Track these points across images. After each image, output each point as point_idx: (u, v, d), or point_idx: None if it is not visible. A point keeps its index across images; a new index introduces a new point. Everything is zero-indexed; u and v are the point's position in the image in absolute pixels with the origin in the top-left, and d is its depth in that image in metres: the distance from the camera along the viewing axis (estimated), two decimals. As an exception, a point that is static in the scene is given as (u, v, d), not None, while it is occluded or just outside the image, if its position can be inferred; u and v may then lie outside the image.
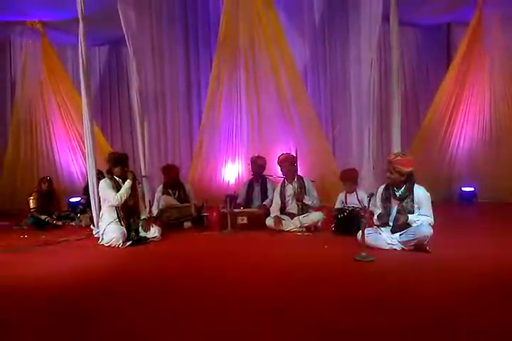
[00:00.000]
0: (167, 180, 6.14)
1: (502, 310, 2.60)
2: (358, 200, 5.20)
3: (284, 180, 5.64)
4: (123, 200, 4.84)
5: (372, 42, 6.52)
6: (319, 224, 5.36)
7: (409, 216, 4.05)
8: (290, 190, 5.52)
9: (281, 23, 7.51)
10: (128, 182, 4.90)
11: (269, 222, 5.45)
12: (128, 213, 4.96)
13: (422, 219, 4.03)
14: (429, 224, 4.03)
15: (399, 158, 4.18)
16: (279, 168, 5.69)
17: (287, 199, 5.54)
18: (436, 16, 8.06)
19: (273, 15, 7.37)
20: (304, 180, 5.55)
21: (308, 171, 7.03)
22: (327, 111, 8.45)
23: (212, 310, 2.73)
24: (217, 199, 6.45)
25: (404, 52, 8.40)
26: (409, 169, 4.13)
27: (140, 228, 4.97)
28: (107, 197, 4.90)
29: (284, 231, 5.33)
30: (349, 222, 4.91)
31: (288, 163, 5.56)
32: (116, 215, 4.90)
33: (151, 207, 6.17)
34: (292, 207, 5.49)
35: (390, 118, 6.27)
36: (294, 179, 5.47)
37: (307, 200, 5.40)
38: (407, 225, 4.08)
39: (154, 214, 5.90)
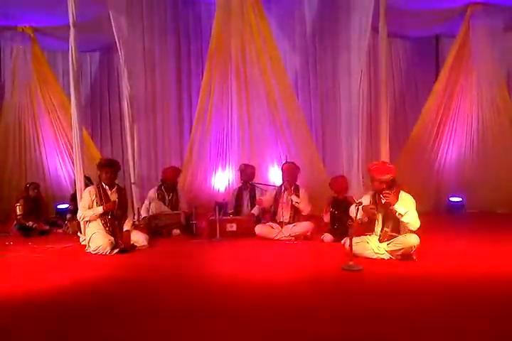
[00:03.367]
0: (167, 181, 6.11)
1: (490, 316, 2.62)
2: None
3: (281, 188, 5.65)
4: (84, 220, 4.93)
5: (361, 53, 6.60)
6: (308, 233, 5.38)
7: (396, 207, 4.02)
8: (285, 198, 5.52)
9: (273, 33, 7.54)
10: (100, 209, 4.80)
11: (259, 229, 5.46)
12: (114, 223, 4.86)
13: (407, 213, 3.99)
14: (413, 225, 4.01)
15: (377, 166, 4.24)
16: (282, 175, 5.70)
17: (280, 205, 5.54)
18: (425, 28, 8.19)
19: (264, 26, 7.40)
20: (300, 189, 5.56)
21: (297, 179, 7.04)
22: (317, 120, 8.47)
23: (201, 320, 2.71)
24: (206, 206, 6.43)
25: (394, 63, 8.51)
26: (389, 176, 4.17)
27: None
28: (79, 207, 5.01)
29: (273, 239, 5.33)
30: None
31: (289, 172, 5.58)
32: (101, 225, 4.85)
33: (139, 214, 6.13)
34: (284, 215, 5.48)
35: (379, 129, 6.33)
36: (291, 188, 5.47)
37: (300, 207, 5.41)
38: (394, 234, 4.12)
39: (137, 222, 5.89)
